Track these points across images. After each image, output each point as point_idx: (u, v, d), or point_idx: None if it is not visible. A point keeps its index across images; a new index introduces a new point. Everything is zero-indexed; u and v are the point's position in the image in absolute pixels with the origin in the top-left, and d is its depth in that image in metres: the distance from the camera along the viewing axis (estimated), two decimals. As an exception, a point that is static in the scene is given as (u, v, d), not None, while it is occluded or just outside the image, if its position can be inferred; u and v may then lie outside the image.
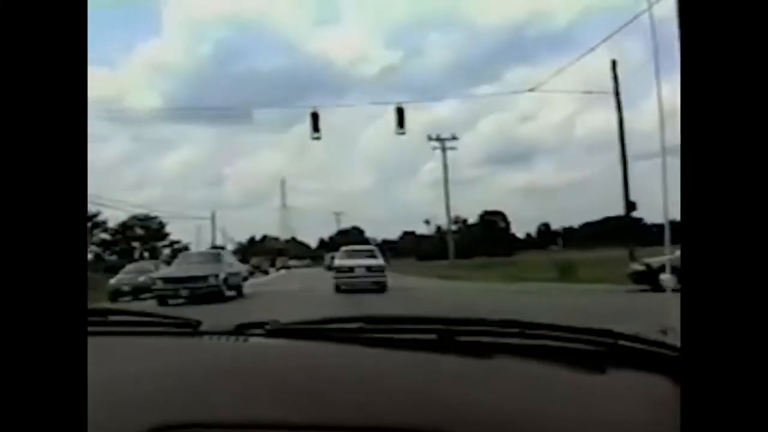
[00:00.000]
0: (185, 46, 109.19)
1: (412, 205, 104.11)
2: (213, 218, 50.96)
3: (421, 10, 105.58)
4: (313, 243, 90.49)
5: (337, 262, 17.00)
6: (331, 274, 17.04)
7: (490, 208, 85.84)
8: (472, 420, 0.74)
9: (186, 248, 57.63)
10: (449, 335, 0.94)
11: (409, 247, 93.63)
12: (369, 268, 16.24)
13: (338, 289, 15.80)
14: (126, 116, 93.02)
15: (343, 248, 18.27)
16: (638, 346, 0.89)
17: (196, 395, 0.80)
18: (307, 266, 58.54)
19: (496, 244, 70.39)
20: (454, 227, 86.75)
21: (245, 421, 0.74)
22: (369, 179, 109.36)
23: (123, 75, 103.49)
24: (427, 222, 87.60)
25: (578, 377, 0.84)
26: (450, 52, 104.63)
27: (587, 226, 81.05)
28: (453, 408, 0.75)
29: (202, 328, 1.11)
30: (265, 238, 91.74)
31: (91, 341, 0.79)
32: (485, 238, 77.91)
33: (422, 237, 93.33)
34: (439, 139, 40.88)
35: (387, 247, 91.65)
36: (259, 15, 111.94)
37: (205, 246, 57.03)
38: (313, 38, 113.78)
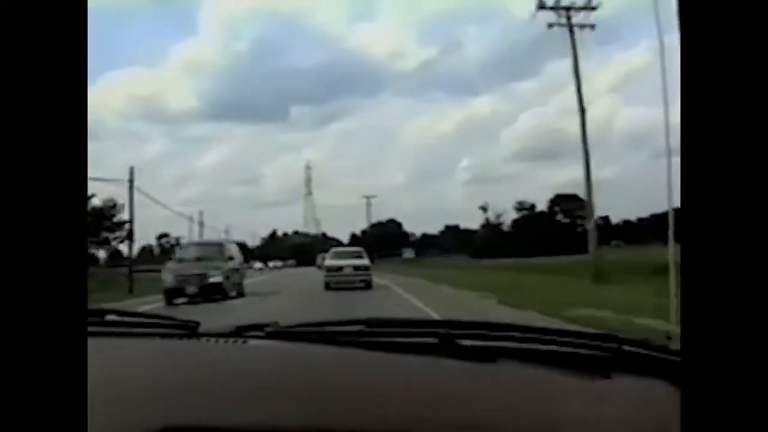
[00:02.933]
0: (221, 44, 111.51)
1: (449, 201, 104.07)
2: (200, 216, 50.33)
3: (458, 3, 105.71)
4: (344, 238, 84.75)
5: (327, 262, 19.51)
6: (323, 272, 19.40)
7: (529, 204, 71.54)
8: (474, 425, 0.76)
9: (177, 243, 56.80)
10: (451, 339, 0.97)
11: (453, 242, 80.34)
12: (356, 268, 18.63)
13: (327, 286, 17.86)
14: (165, 116, 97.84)
15: (333, 250, 21.96)
16: (643, 351, 0.91)
17: (195, 398, 0.83)
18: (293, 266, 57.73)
19: (569, 238, 56.51)
20: (516, 215, 73.81)
21: (244, 425, 0.77)
22: (405, 175, 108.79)
23: (161, 75, 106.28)
24: (484, 209, 73.96)
25: (582, 382, 0.86)
26: (488, 45, 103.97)
27: (643, 220, 66.82)
28: (454, 412, 0.78)
29: (201, 329, 1.14)
30: (296, 233, 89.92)
31: (89, 342, 0.80)
32: (554, 230, 63.64)
33: (467, 231, 79.95)
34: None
35: (428, 243, 78.95)
36: (295, 12, 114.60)
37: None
38: (349, 34, 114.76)
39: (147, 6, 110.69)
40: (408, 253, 76.70)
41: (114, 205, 49.57)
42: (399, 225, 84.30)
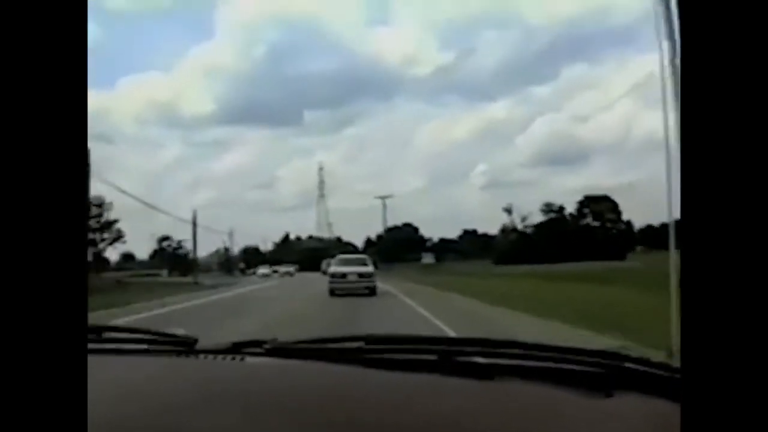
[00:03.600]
0: (237, 49, 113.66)
1: (465, 206, 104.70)
2: (194, 218, 46.54)
3: (474, 8, 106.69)
4: (359, 243, 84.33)
5: (332, 269, 19.96)
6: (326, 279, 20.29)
7: (557, 206, 67.46)
8: None
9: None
10: (450, 356, 0.97)
11: (471, 247, 76.52)
12: (360, 275, 19.09)
13: (332, 293, 18.33)
14: (181, 120, 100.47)
15: (338, 257, 22.25)
16: (644, 368, 0.91)
17: (192, 417, 0.83)
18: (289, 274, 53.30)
19: (602, 242, 52.41)
20: (543, 218, 70.12)
21: None
22: (420, 180, 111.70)
23: (177, 79, 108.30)
24: (508, 211, 70.05)
25: (583, 400, 0.85)
26: (504, 50, 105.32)
27: (666, 225, 62.38)
28: (454, 430, 0.78)
29: (199, 346, 1.15)
30: (310, 237, 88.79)
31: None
32: (584, 234, 59.59)
33: (485, 236, 76.23)
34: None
35: (446, 248, 75.05)
36: (311, 16, 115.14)
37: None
38: (365, 39, 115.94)
39: (164, 11, 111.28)
40: (428, 258, 74.35)
41: (101, 204, 46.77)
42: (415, 229, 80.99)
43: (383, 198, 63.14)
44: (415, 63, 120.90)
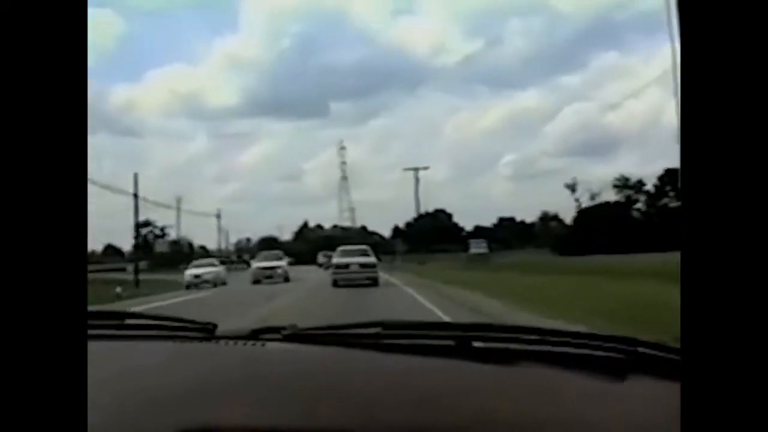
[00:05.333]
0: (263, 40, 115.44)
1: (494, 195, 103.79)
2: (218, 216, 48.34)
3: None
4: (386, 232, 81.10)
5: (335, 260, 21.09)
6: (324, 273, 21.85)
7: (635, 181, 57.64)
8: (490, 427, 0.79)
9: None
10: (467, 341, 1.01)
11: (509, 236, 67.62)
12: (362, 265, 20.05)
13: (335, 283, 19.49)
14: (207, 113, 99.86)
15: (340, 248, 22.86)
16: (658, 353, 0.95)
17: (213, 401, 0.88)
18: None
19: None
20: (617, 196, 60.14)
21: (261, 428, 0.80)
22: (447, 170, 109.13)
23: (203, 72, 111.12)
24: (571, 188, 60.40)
25: (597, 384, 0.90)
26: (532, 39, 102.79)
27: None
28: (470, 415, 0.82)
29: (218, 331, 1.20)
30: (334, 227, 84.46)
31: (109, 345, 0.89)
32: (666, 217, 49.71)
33: (522, 224, 67.26)
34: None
35: (482, 235, 65.80)
36: (337, 7, 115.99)
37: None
38: (390, 29, 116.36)
39: (190, 4, 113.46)
40: (478, 246, 54.18)
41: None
42: (449, 215, 72.91)
43: (415, 170, 53.83)
44: (441, 53, 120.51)
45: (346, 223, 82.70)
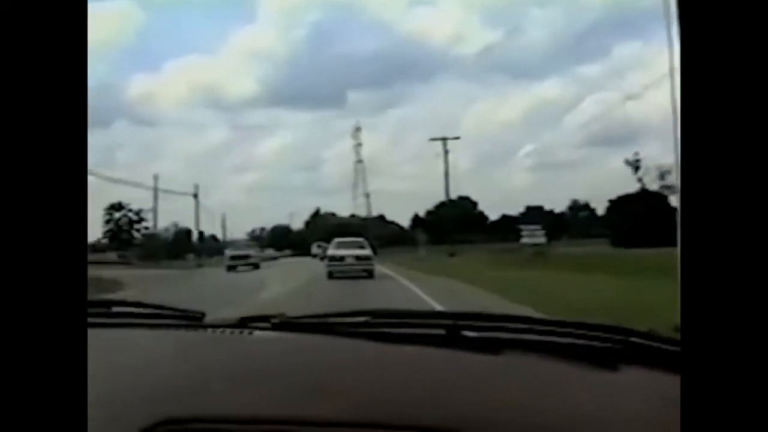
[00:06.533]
0: (279, 30, 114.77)
1: (514, 186, 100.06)
2: (196, 196, 41.07)
3: None
4: (405, 222, 78.37)
5: (330, 252, 21.21)
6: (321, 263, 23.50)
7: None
8: (480, 416, 0.80)
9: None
10: (457, 330, 1.02)
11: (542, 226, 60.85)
12: (358, 258, 19.93)
13: (330, 275, 19.54)
14: (224, 103, 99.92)
15: (335, 240, 22.81)
16: (651, 343, 0.95)
17: (201, 389, 0.89)
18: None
19: None
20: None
21: (250, 416, 0.81)
22: (467, 160, 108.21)
23: (220, 63, 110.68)
24: (634, 165, 52.49)
25: (589, 374, 0.90)
26: (552, 28, 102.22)
27: None
28: (460, 404, 0.82)
29: (207, 320, 1.21)
30: (352, 216, 77.11)
31: (95, 333, 0.86)
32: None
33: (551, 213, 61.08)
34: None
35: (509, 225, 58.67)
36: None
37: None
38: (408, 18, 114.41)
39: None
40: (533, 236, 36.02)
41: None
42: (474, 203, 66.53)
43: (444, 140, 47.43)
44: (460, 42, 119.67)
45: (361, 211, 77.24)
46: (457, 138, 50.94)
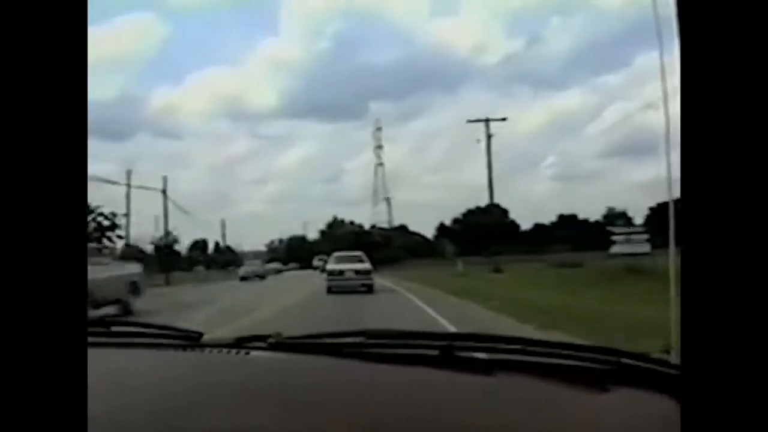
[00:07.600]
0: (302, 42, 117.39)
1: (536, 197, 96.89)
2: (164, 192, 35.09)
3: None
4: (429, 233, 72.55)
5: (329, 266, 21.10)
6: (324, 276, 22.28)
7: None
8: None
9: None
10: (451, 351, 1.04)
11: (575, 235, 55.16)
12: (357, 272, 19.95)
13: (330, 290, 19.61)
14: (247, 114, 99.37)
15: (335, 254, 22.92)
16: (641, 364, 0.97)
17: (199, 409, 0.91)
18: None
19: None
20: None
21: None
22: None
23: (243, 74, 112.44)
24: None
25: (581, 395, 0.92)
26: (573, 37, 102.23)
27: None
28: (454, 424, 0.85)
29: (204, 340, 1.24)
30: (373, 227, 71.93)
31: (93, 352, 0.87)
32: None
33: (585, 222, 55.64)
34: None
35: (543, 235, 52.76)
36: (376, 7, 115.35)
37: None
38: (430, 29, 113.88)
39: (230, 6, 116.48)
40: (629, 242, 25.00)
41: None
42: (504, 211, 60.85)
43: (486, 121, 42.03)
44: (481, 53, 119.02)
45: (382, 221, 72.46)
46: (504, 119, 45.42)
